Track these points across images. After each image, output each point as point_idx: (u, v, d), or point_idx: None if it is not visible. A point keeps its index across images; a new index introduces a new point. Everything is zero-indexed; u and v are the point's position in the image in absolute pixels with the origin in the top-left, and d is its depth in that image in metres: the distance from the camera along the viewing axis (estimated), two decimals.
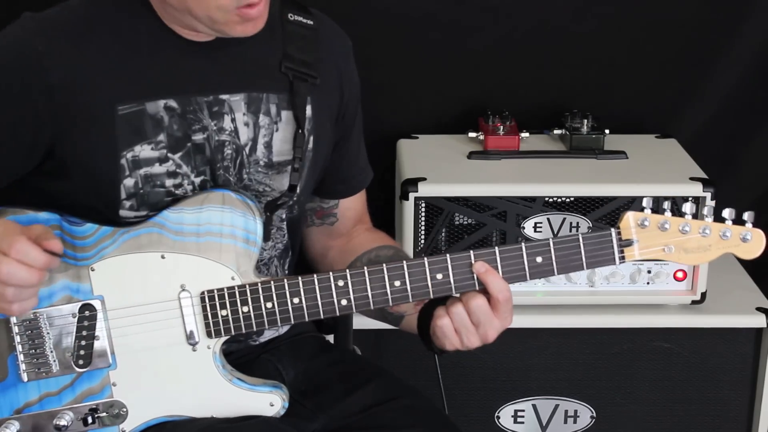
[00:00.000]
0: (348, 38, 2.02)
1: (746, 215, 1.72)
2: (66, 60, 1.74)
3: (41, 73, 1.72)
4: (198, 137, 1.82)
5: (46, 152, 1.77)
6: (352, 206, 2.10)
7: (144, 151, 1.79)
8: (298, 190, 1.91)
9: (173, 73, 1.80)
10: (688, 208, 1.72)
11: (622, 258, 1.74)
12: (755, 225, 1.73)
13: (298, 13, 1.92)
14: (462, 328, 1.76)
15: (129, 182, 1.79)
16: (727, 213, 1.72)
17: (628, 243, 1.74)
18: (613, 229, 1.74)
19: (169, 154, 1.81)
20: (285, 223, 1.97)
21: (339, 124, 1.99)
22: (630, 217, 1.73)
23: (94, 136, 1.76)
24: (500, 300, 1.74)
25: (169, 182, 1.81)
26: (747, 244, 1.73)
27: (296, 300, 1.76)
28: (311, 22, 1.92)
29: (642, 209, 1.73)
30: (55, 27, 1.76)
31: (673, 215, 1.73)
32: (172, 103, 1.79)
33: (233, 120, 1.85)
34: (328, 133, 1.97)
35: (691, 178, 2.52)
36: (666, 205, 1.73)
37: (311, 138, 1.92)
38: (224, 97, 1.84)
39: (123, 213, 1.80)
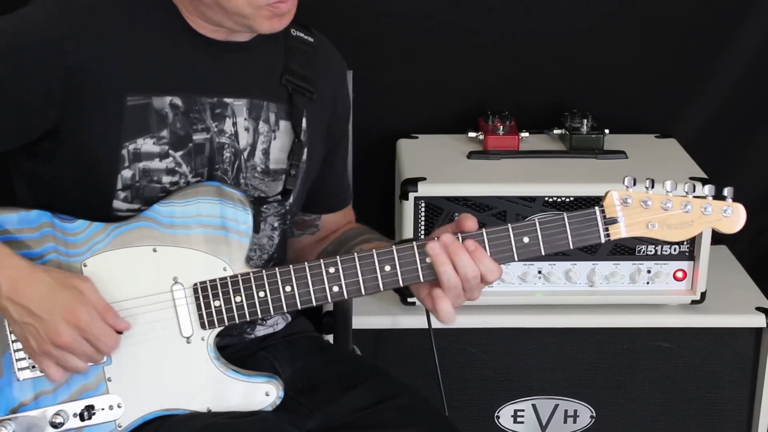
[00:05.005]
0: (343, 59, 2.06)
1: (726, 191, 1.74)
2: (86, 45, 1.75)
3: (61, 55, 1.73)
4: (199, 137, 1.84)
5: (46, 132, 1.77)
6: (335, 219, 2.12)
7: (146, 144, 1.80)
8: (291, 198, 1.94)
9: (182, 71, 1.82)
10: (668, 185, 1.73)
11: (608, 236, 1.75)
12: (735, 200, 1.74)
13: (300, 29, 1.96)
14: (455, 299, 1.77)
15: (127, 174, 1.80)
16: (707, 189, 1.74)
17: (613, 221, 1.75)
18: (597, 208, 1.75)
19: (171, 151, 1.82)
20: (277, 231, 1.98)
21: (327, 140, 2.01)
22: (614, 195, 1.74)
23: (101, 123, 1.77)
24: (489, 280, 1.75)
25: (166, 179, 1.82)
26: (728, 219, 1.75)
27: (288, 288, 1.76)
28: (312, 40, 1.97)
29: (625, 187, 1.74)
30: (76, 11, 1.76)
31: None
32: (177, 101, 1.81)
33: (234, 124, 1.87)
34: (319, 147, 1.99)
35: (691, 178, 2.51)
36: (648, 183, 1.74)
37: (305, 149, 1.94)
38: (228, 100, 1.85)
39: (116, 204, 1.81)
